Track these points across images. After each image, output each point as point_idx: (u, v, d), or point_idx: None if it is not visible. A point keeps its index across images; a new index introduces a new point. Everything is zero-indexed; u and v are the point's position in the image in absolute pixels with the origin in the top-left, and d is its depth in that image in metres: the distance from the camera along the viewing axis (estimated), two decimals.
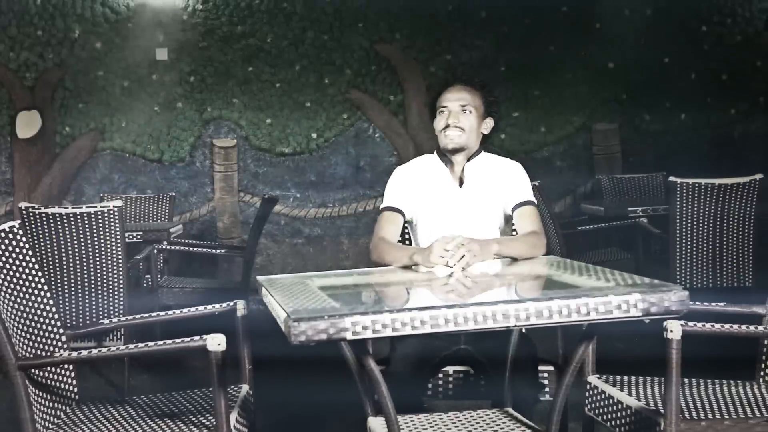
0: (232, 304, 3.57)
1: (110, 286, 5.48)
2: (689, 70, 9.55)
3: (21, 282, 3.26)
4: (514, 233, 3.95)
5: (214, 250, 8.33)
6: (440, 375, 3.81)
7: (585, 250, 7.42)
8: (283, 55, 9.18)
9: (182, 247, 7.91)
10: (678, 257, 6.48)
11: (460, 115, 3.85)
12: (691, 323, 2.93)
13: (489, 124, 3.97)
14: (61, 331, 3.41)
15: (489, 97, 3.97)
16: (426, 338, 3.44)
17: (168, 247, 7.14)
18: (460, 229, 3.65)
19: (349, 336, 2.50)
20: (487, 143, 4.05)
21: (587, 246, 7.59)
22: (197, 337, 2.98)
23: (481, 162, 3.97)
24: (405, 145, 9.29)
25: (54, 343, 3.34)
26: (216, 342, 2.95)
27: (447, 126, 3.84)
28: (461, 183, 3.91)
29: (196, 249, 8.21)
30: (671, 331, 2.90)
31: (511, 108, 9.37)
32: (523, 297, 2.75)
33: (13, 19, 8.93)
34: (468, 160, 3.93)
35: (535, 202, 3.96)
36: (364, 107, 9.30)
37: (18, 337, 3.09)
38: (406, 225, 4.02)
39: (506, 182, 3.94)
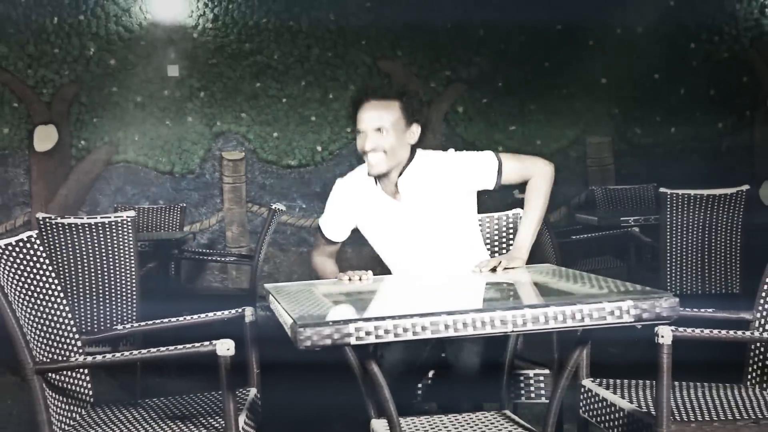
0: (240, 310, 3.56)
1: (123, 293, 5.49)
2: (679, 86, 9.55)
3: (38, 289, 3.27)
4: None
5: (223, 259, 8.35)
6: (431, 378, 3.81)
7: (579, 259, 7.42)
8: (290, 71, 9.20)
9: (192, 256, 7.92)
10: (668, 265, 6.48)
11: (377, 139, 3.59)
12: (681, 329, 2.93)
13: (415, 131, 3.67)
14: (76, 336, 3.41)
15: (409, 105, 3.66)
16: (411, 345, 3.44)
17: (180, 254, 7.15)
18: (405, 242, 3.66)
19: (353, 341, 2.51)
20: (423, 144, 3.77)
21: (581, 254, 7.59)
22: (207, 342, 2.98)
23: (414, 170, 3.71)
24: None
25: (70, 348, 3.35)
26: (225, 347, 2.96)
27: (364, 153, 3.63)
28: (396, 197, 3.72)
29: (206, 257, 8.22)
30: (662, 337, 2.90)
31: (508, 122, 9.39)
32: (520, 304, 2.75)
33: (30, 37, 8.95)
34: (400, 173, 3.69)
35: (496, 157, 3.72)
36: None
37: (35, 342, 3.09)
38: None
39: (454, 177, 3.70)
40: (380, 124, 3.59)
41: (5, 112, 8.92)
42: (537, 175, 3.75)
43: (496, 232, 4.11)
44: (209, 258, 8.35)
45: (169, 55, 9.11)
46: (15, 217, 9.01)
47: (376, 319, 2.53)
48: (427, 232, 3.70)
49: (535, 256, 4.10)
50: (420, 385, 3.75)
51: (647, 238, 6.93)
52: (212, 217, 9.21)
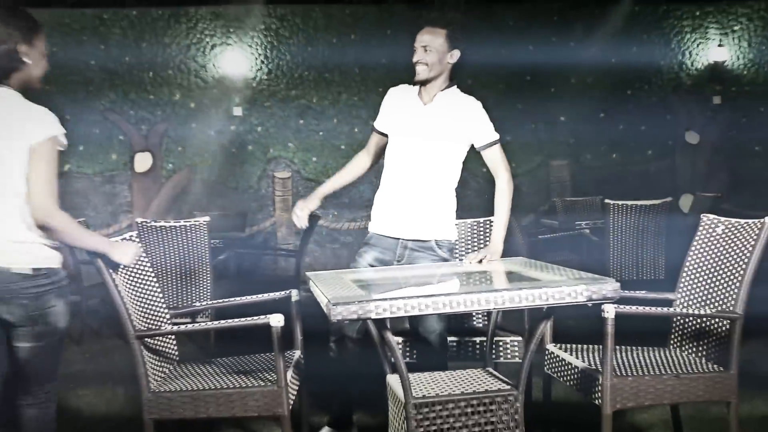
0: (288, 292, 3.58)
1: (200, 278, 5.50)
2: (618, 122, 9.54)
3: (138, 276, 3.29)
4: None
5: (274, 253, 8.35)
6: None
7: (544, 253, 7.39)
8: (325, 111, 9.22)
9: (252, 251, 7.93)
10: (611, 257, 6.49)
11: (423, 54, 3.57)
12: (621, 306, 2.93)
13: (455, 54, 3.62)
14: (165, 310, 3.43)
15: (453, 34, 3.60)
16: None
17: (242, 250, 7.17)
18: (412, 140, 3.59)
19: (373, 316, 2.52)
20: (456, 79, 3.73)
21: (546, 250, 7.57)
22: (263, 316, 3.00)
23: (449, 91, 3.67)
24: None
25: (161, 319, 3.36)
26: (277, 320, 2.98)
27: (415, 63, 3.61)
28: (427, 104, 3.66)
29: (262, 251, 8.22)
30: (607, 312, 2.91)
31: None
32: (499, 288, 2.75)
33: (132, 87, 9.00)
34: (440, 89, 3.65)
35: (498, 137, 3.72)
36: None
37: (135, 315, 3.11)
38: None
39: (470, 117, 3.66)
40: (427, 44, 3.57)
41: (113, 143, 8.96)
42: (505, 180, 3.69)
43: (480, 235, 4.10)
44: (264, 252, 8.35)
45: (234, 100, 9.15)
46: (120, 221, 9.06)
47: (391, 299, 2.55)
48: (437, 134, 3.61)
49: (509, 251, 4.10)
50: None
51: (595, 237, 6.92)
52: (266, 221, 9.23)
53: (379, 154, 3.89)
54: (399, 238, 3.62)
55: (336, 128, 9.24)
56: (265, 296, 3.73)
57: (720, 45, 9.57)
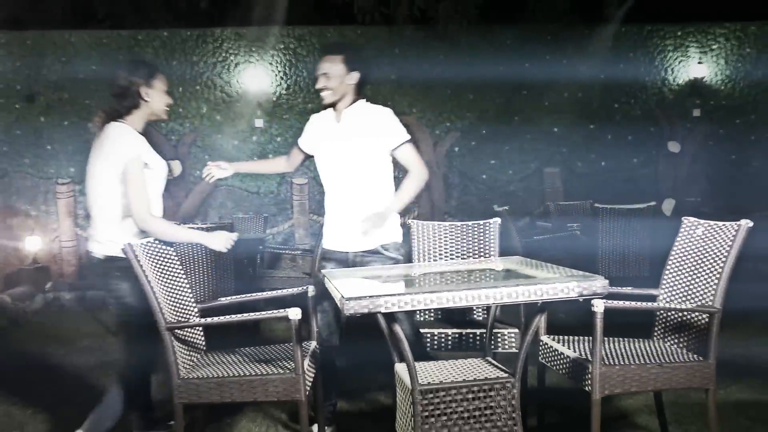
0: (305, 288, 3.58)
1: (225, 275, 5.50)
2: (606, 133, 9.52)
3: (168, 273, 3.30)
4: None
5: (293, 252, 8.36)
6: (436, 334, 3.80)
7: (539, 253, 7.38)
8: None
9: (272, 250, 7.93)
10: (600, 256, 6.47)
11: (325, 81, 3.54)
12: (609, 301, 2.93)
13: (354, 75, 3.56)
14: (193, 305, 3.43)
15: (348, 58, 3.57)
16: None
17: (263, 249, 7.17)
18: (335, 155, 3.60)
19: (382, 310, 2.53)
20: (362, 94, 3.66)
21: (540, 249, 7.55)
22: (283, 310, 3.01)
23: (357, 108, 3.61)
24: None
25: (189, 313, 3.37)
26: (295, 313, 2.99)
27: (319, 90, 3.58)
28: (339, 121, 3.63)
29: (281, 251, 8.23)
30: (596, 307, 2.90)
31: (490, 158, 9.37)
32: (497, 284, 2.75)
33: None
34: (347, 107, 3.60)
35: (409, 137, 3.60)
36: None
37: (167, 308, 3.12)
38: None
39: (377, 123, 3.58)
40: (327, 71, 3.55)
41: None
42: (417, 172, 3.60)
43: (480, 237, 4.10)
44: (283, 251, 8.35)
45: (256, 113, 9.17)
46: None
47: (399, 294, 2.55)
48: (353, 148, 3.59)
49: (507, 251, 4.11)
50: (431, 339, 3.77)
51: (585, 238, 6.91)
52: (285, 223, 9.24)
53: (296, 166, 3.98)
54: (347, 252, 3.64)
55: None
56: (285, 291, 3.74)
57: (699, 63, 9.55)
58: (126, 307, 3.27)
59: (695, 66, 9.53)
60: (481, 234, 4.09)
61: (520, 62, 9.33)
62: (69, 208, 9.01)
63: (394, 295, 2.54)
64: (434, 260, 4.08)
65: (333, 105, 3.63)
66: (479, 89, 9.36)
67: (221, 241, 3.44)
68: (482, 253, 4.04)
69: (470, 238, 4.11)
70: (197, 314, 3.42)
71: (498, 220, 4.08)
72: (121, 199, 3.27)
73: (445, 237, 4.13)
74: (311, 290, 3.52)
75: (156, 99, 3.42)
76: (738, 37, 9.61)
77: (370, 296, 2.52)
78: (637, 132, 9.54)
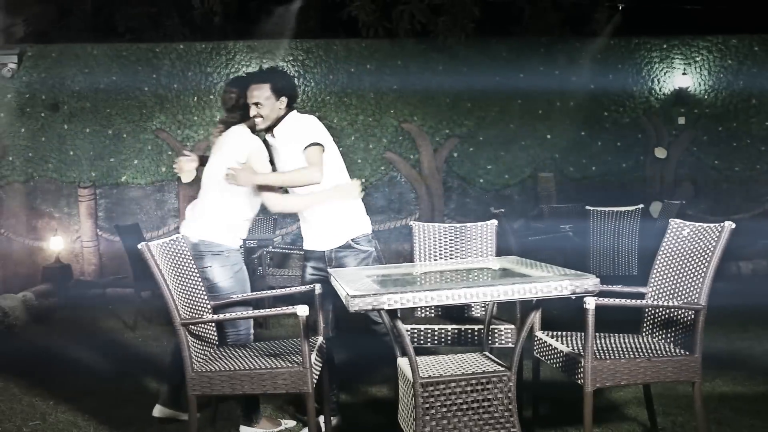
0: (312, 286, 3.55)
1: None
2: (597, 139, 9.50)
3: (183, 272, 3.28)
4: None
5: (301, 251, 8.34)
6: (437, 330, 3.77)
7: (533, 253, 7.36)
8: (344, 131, 9.21)
9: (281, 250, 7.91)
10: (592, 256, 6.44)
11: (256, 110, 3.54)
12: (600, 298, 2.92)
13: (283, 100, 3.57)
14: (207, 301, 3.42)
15: (275, 85, 3.56)
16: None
17: (272, 250, 7.15)
18: (278, 163, 3.64)
19: (385, 307, 2.51)
20: (293, 108, 3.66)
21: (535, 250, 7.53)
22: (291, 307, 2.99)
23: (286, 122, 3.60)
24: (420, 187, 9.28)
25: (202, 309, 3.35)
26: (303, 310, 2.97)
27: (252, 117, 3.57)
28: (273, 135, 3.64)
29: (289, 251, 8.21)
30: (588, 304, 2.89)
31: (487, 163, 9.35)
32: (494, 283, 2.73)
33: (180, 110, 9.03)
34: (277, 123, 3.59)
35: (317, 142, 3.53)
36: (394, 163, 9.30)
37: (182, 305, 3.10)
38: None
39: (297, 129, 3.58)
40: (257, 99, 3.54)
41: (163, 158, 8.99)
42: (308, 171, 3.50)
43: (478, 237, 4.08)
44: (291, 251, 8.33)
45: None
46: (168, 224, 9.07)
47: (401, 292, 2.53)
48: (284, 155, 3.61)
49: (503, 251, 4.09)
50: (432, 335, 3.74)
51: (577, 238, 6.88)
52: (294, 224, 9.21)
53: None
54: (323, 250, 3.65)
55: (353, 145, 9.23)
56: (293, 289, 3.73)
57: (684, 73, 9.53)
58: (210, 284, 3.49)
59: (680, 77, 9.51)
60: (479, 235, 4.08)
61: (515, 73, 9.32)
62: (90, 211, 9.01)
63: (396, 292, 2.52)
64: (434, 260, 4.06)
65: (268, 129, 3.63)
66: (477, 98, 9.34)
67: (353, 191, 3.64)
68: (480, 253, 4.03)
69: (468, 239, 4.09)
70: (210, 311, 3.41)
71: (495, 222, 4.07)
72: (227, 192, 3.57)
73: (444, 238, 4.12)
74: (318, 288, 3.50)
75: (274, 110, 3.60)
76: (720, 50, 9.59)
77: (373, 294, 2.51)
78: (626, 139, 9.52)
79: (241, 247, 3.69)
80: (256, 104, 3.54)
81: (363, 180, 9.14)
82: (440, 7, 8.89)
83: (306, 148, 3.53)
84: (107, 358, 5.32)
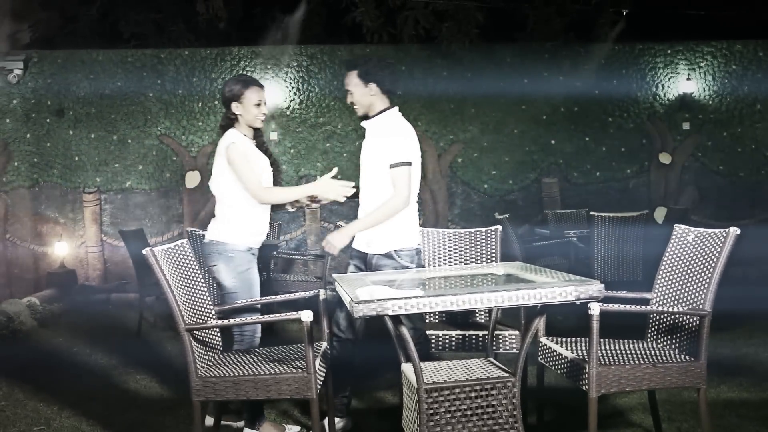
0: (316, 291, 3.55)
1: None
2: (601, 145, 9.49)
3: (188, 278, 3.28)
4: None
5: (305, 257, 8.35)
6: (441, 335, 3.77)
7: (537, 258, 7.37)
8: (348, 135, 9.22)
9: (285, 255, 7.92)
10: (596, 262, 6.43)
11: (350, 97, 3.59)
12: (605, 304, 2.91)
13: (372, 88, 3.53)
14: (211, 307, 3.42)
15: (362, 71, 3.54)
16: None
17: (277, 255, 7.16)
18: (361, 156, 3.70)
19: (390, 312, 2.51)
20: (392, 102, 3.60)
21: (539, 255, 7.53)
22: (295, 312, 2.99)
23: (383, 117, 3.58)
24: (424, 192, 9.28)
25: (207, 315, 3.35)
26: (307, 315, 2.97)
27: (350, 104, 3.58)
28: (368, 127, 3.65)
29: (294, 256, 8.21)
30: (593, 310, 2.88)
31: (491, 168, 9.34)
32: (499, 288, 2.72)
33: (184, 115, 9.05)
34: (375, 115, 3.59)
35: (406, 161, 3.45)
36: None
37: (186, 311, 3.11)
38: None
39: (388, 139, 3.50)
40: (348, 87, 3.59)
41: (168, 163, 9.00)
42: (393, 201, 3.48)
43: (482, 243, 4.08)
44: (296, 257, 8.34)
45: (271, 126, 9.17)
46: (173, 230, 9.08)
47: (405, 298, 2.53)
48: (366, 154, 3.67)
49: (507, 257, 4.09)
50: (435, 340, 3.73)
51: (581, 244, 6.87)
52: (298, 230, 9.23)
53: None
54: (366, 252, 3.62)
55: (358, 150, 9.13)
56: (297, 295, 3.72)
57: (688, 79, 9.52)
58: (217, 282, 3.59)
59: (684, 82, 9.50)
60: (483, 240, 4.08)
61: (519, 78, 9.32)
62: (95, 216, 9.02)
63: (400, 298, 2.52)
64: (439, 265, 4.06)
65: (365, 116, 3.64)
66: (481, 104, 9.35)
67: (336, 191, 3.59)
68: (484, 259, 4.02)
69: (473, 245, 4.09)
70: (214, 316, 3.41)
71: (499, 227, 4.07)
72: (227, 193, 3.63)
73: (449, 243, 4.11)
74: (322, 294, 3.50)
75: (246, 111, 3.70)
76: (724, 55, 9.59)
77: (378, 300, 2.50)
78: (630, 144, 9.51)
79: (251, 250, 3.65)
80: (348, 92, 3.59)
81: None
82: (444, 13, 8.90)
83: (394, 167, 3.47)
84: (111, 364, 5.32)
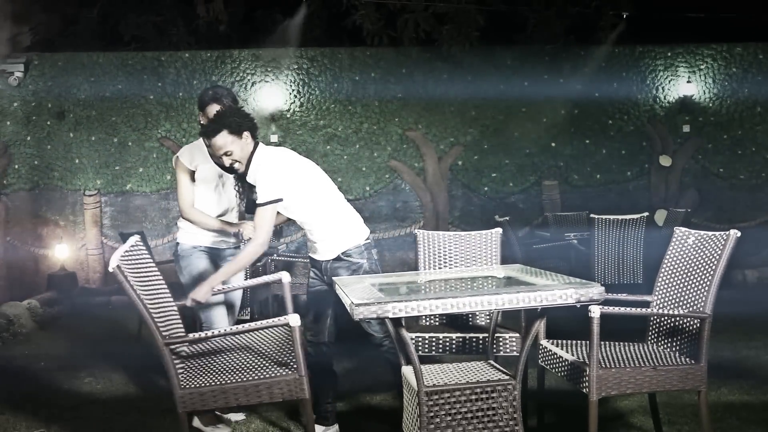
0: (278, 275, 3.51)
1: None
2: (602, 148, 9.50)
3: (151, 281, 3.14)
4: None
5: (305, 260, 8.34)
6: (441, 338, 3.76)
7: (538, 260, 7.36)
8: (349, 138, 9.23)
9: (285, 258, 7.90)
10: (596, 264, 6.42)
11: (228, 159, 3.39)
12: (605, 307, 2.90)
13: (246, 135, 3.41)
14: (175, 310, 3.22)
15: (231, 129, 3.38)
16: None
17: (276, 258, 7.14)
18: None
19: (390, 315, 2.50)
20: (256, 139, 3.49)
21: (539, 258, 7.52)
22: (283, 317, 2.93)
23: (254, 160, 3.44)
24: (424, 195, 9.28)
25: (175, 319, 3.18)
26: (295, 320, 2.92)
27: (230, 167, 3.45)
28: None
29: (294, 259, 8.20)
30: (593, 312, 2.87)
31: (491, 171, 9.35)
32: (499, 291, 2.72)
33: (185, 118, 9.05)
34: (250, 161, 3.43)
35: (268, 200, 3.38)
36: (399, 171, 9.31)
37: (160, 323, 2.95)
38: None
39: (258, 180, 3.39)
40: (225, 150, 3.39)
41: (168, 166, 9.01)
42: (257, 241, 3.40)
43: (482, 245, 4.07)
44: (295, 259, 8.32)
45: (271, 128, 9.17)
46: (173, 232, 9.06)
47: (406, 300, 2.52)
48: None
49: (508, 259, 4.08)
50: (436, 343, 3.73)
51: (582, 246, 6.86)
52: (298, 233, 9.22)
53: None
54: (321, 260, 3.63)
55: (358, 153, 9.24)
56: (261, 279, 3.82)
57: (688, 81, 9.53)
58: (180, 278, 3.85)
59: (684, 84, 9.51)
60: (483, 243, 4.07)
61: (519, 81, 9.33)
62: (95, 218, 9.02)
63: (401, 301, 2.51)
64: (439, 268, 4.05)
65: (244, 174, 3.49)
66: (481, 106, 9.35)
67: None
68: (484, 261, 4.01)
69: (473, 247, 4.08)
70: (179, 319, 3.20)
71: (499, 230, 4.06)
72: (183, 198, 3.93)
73: (449, 246, 4.11)
74: (285, 277, 3.46)
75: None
76: (725, 58, 9.59)
77: (378, 302, 2.50)
78: (630, 147, 9.51)
79: (196, 247, 3.88)
80: (226, 154, 3.39)
81: (367, 188, 9.20)
82: (445, 16, 8.91)
83: (260, 206, 3.38)
84: (112, 366, 5.31)
